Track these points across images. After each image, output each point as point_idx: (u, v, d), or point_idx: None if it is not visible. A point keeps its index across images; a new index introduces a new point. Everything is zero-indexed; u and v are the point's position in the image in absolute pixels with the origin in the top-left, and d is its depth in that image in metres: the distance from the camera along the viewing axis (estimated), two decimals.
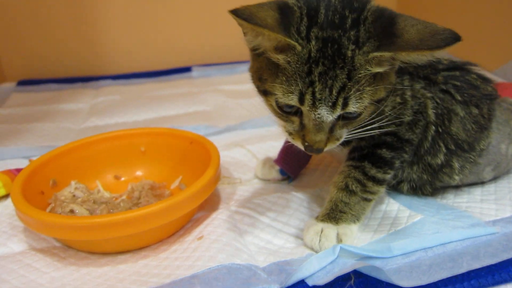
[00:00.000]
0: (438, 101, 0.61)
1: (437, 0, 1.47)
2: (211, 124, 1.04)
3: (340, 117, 0.50)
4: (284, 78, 0.48)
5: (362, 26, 0.47)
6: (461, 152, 0.63)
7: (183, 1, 1.54)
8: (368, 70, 0.46)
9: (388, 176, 0.61)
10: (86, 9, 1.46)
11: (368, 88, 0.47)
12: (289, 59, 0.47)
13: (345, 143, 0.60)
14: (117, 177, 0.76)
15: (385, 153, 0.60)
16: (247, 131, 0.99)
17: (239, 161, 0.85)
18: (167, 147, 0.77)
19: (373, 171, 0.60)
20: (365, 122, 0.53)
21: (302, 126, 0.51)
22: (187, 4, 1.54)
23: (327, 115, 0.47)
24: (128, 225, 0.53)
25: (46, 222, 0.53)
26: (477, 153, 0.64)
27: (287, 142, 0.75)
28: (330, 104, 0.47)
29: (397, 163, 0.61)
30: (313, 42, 0.46)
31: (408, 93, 0.60)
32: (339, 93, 0.46)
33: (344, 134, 0.52)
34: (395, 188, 0.67)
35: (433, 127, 0.62)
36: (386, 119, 0.56)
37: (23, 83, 1.40)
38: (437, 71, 0.63)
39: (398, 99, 0.59)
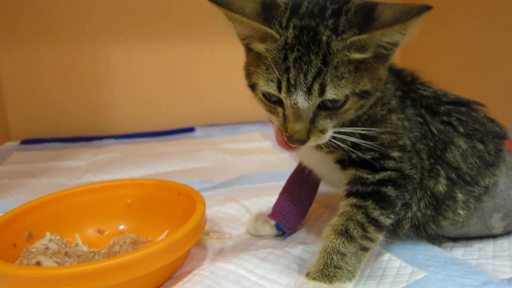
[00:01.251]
0: (435, 131, 0.59)
1: (439, 59, 1.49)
2: (207, 179, 1.00)
3: (322, 107, 0.49)
4: (264, 67, 0.49)
5: (343, 16, 0.48)
6: (463, 183, 0.59)
7: (186, 63, 1.59)
8: (346, 56, 0.47)
9: (389, 222, 0.56)
10: (90, 72, 1.53)
11: (348, 75, 0.47)
12: (268, 47, 0.49)
13: (342, 164, 0.58)
14: (100, 231, 0.72)
15: (390, 190, 0.56)
16: (243, 187, 0.96)
17: (231, 216, 0.80)
18: (154, 199, 0.73)
19: (376, 213, 0.54)
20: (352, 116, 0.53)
21: (285, 117, 0.50)
22: (190, 65, 1.60)
23: (303, 101, 0.47)
24: (84, 278, 0.47)
25: None
26: (482, 188, 0.60)
27: (286, 186, 0.72)
28: (305, 89, 0.47)
29: (399, 205, 0.56)
30: (290, 30, 0.48)
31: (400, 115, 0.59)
32: (314, 78, 0.46)
33: (329, 127, 0.50)
34: (394, 228, 0.61)
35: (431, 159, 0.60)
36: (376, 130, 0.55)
37: (26, 142, 1.42)
38: (441, 103, 0.61)
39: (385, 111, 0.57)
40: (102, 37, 1.50)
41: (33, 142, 1.41)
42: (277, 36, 0.48)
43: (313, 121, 0.49)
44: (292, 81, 0.47)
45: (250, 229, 0.73)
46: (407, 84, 0.62)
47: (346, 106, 0.49)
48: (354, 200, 0.56)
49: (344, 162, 0.58)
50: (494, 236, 0.65)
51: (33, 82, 1.51)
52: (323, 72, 0.46)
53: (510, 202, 0.61)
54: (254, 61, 0.52)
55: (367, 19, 0.47)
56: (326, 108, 0.49)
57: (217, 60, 1.60)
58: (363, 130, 0.54)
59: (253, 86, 0.52)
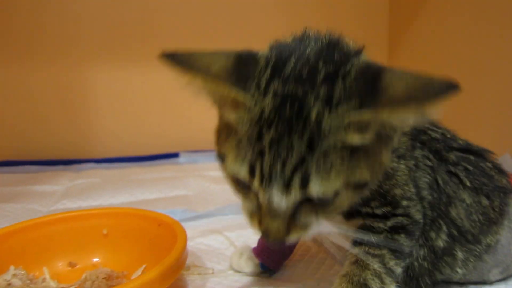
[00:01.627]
0: (441, 182, 0.54)
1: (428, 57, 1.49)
2: (190, 208, 0.96)
3: (305, 199, 0.38)
4: (234, 143, 0.39)
5: (339, 81, 0.37)
6: (464, 241, 0.54)
7: (171, 88, 1.56)
8: (340, 138, 0.36)
9: (400, 271, 0.51)
10: (72, 94, 1.48)
11: (340, 164, 0.36)
12: (240, 117, 0.38)
13: (344, 216, 0.51)
14: (71, 264, 0.67)
15: (403, 238, 0.50)
16: (227, 217, 0.92)
17: (214, 249, 0.76)
18: (133, 230, 0.69)
19: (392, 262, 0.49)
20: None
21: (259, 207, 0.40)
22: (175, 90, 1.57)
23: (279, 199, 0.37)
24: None
25: None
26: (483, 247, 0.55)
27: None
28: (281, 184, 0.36)
29: (408, 252, 0.52)
30: (269, 98, 0.37)
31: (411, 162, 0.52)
32: (295, 169, 0.36)
33: (313, 221, 0.40)
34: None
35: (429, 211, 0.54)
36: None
37: (0, 164, 1.35)
38: (451, 149, 0.56)
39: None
40: (87, 59, 1.47)
41: (8, 165, 1.35)
42: (251, 104, 0.37)
43: (293, 215, 0.39)
44: (266, 171, 0.36)
45: (234, 265, 0.69)
46: None
47: (337, 203, 0.39)
48: (368, 248, 0.50)
49: (348, 214, 0.51)
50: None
51: (11, 102, 1.45)
52: (308, 161, 0.36)
53: (510, 257, 0.59)
54: (224, 128, 0.42)
55: (371, 89, 0.36)
56: (311, 200, 0.38)
57: None
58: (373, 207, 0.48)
59: (221, 158, 0.42)
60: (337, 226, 0.45)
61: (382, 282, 0.49)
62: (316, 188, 0.36)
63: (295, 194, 0.37)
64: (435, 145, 0.55)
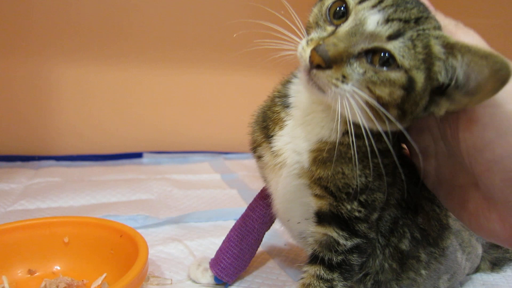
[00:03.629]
0: (411, 192, 0.57)
1: None
2: (151, 214, 0.98)
3: (368, 59, 0.43)
4: None
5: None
6: (426, 244, 0.59)
7: (136, 86, 1.57)
8: (429, 42, 0.42)
9: None
10: (33, 88, 1.45)
11: (417, 56, 0.42)
12: None
13: (319, 218, 0.54)
14: (31, 272, 0.68)
15: (355, 259, 0.54)
16: (188, 225, 0.94)
17: (174, 258, 0.79)
18: (94, 240, 0.70)
19: (340, 285, 0.53)
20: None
21: (331, 33, 0.44)
22: (140, 89, 1.57)
23: (373, 23, 0.42)
24: None
25: None
26: (440, 251, 0.60)
27: (228, 235, 0.70)
28: (385, 17, 0.42)
29: (357, 270, 0.55)
30: None
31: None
32: (399, 20, 0.42)
33: (354, 76, 0.43)
34: (360, 282, 0.60)
35: (400, 220, 0.57)
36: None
37: None
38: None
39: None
40: (51, 55, 1.43)
41: None
42: None
43: (349, 59, 0.43)
44: (382, 3, 0.42)
45: (191, 275, 0.72)
46: None
47: (392, 75, 0.42)
48: (321, 271, 0.54)
49: (324, 216, 0.53)
50: None
51: None
52: (410, 25, 0.42)
53: (456, 264, 0.65)
54: None
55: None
56: (371, 63, 0.43)
57: (168, 86, 1.59)
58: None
59: None
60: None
61: None
62: (397, 45, 0.41)
63: (383, 33, 0.42)
64: (405, 160, 0.58)
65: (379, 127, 0.44)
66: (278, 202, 0.60)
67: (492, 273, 0.79)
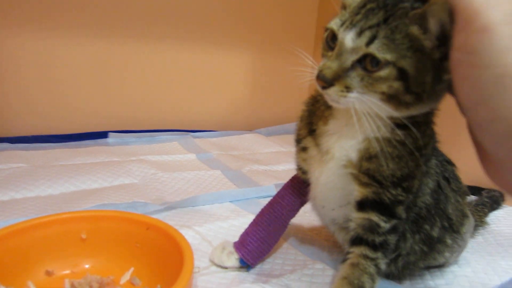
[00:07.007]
0: (442, 185, 0.65)
1: None
2: (145, 200, 0.94)
3: (361, 67, 0.49)
4: (343, 12, 0.52)
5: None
6: (452, 231, 0.68)
7: (100, 59, 1.45)
8: (405, 25, 0.47)
9: (384, 267, 0.61)
10: None
11: (398, 45, 0.47)
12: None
13: (361, 205, 0.59)
14: (49, 273, 0.63)
15: (392, 238, 0.60)
16: (188, 210, 0.93)
17: (191, 245, 0.78)
18: (114, 234, 0.67)
19: (382, 263, 0.59)
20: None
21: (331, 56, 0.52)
22: (105, 62, 1.46)
23: (350, 40, 0.49)
24: None
25: None
26: (460, 236, 0.70)
27: (256, 219, 0.73)
28: (357, 31, 0.49)
29: (393, 248, 0.62)
30: None
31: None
32: (369, 27, 0.48)
33: (355, 84, 0.50)
34: (392, 262, 0.66)
35: (432, 210, 0.64)
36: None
37: None
38: (445, 160, 0.68)
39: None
40: (7, 26, 1.26)
41: None
42: None
43: (346, 72, 0.50)
44: (352, 22, 0.49)
45: (216, 259, 0.72)
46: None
47: (381, 73, 0.48)
48: (367, 251, 0.59)
49: (367, 203, 0.59)
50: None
51: None
52: (380, 27, 0.48)
53: (465, 243, 0.75)
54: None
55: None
56: (365, 69, 0.49)
57: (135, 62, 1.50)
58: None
59: (326, 30, 0.55)
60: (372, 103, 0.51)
61: (373, 281, 0.59)
62: (376, 46, 0.47)
63: (362, 42, 0.48)
64: (438, 155, 0.67)
65: (405, 113, 0.52)
66: (318, 190, 0.64)
67: None
